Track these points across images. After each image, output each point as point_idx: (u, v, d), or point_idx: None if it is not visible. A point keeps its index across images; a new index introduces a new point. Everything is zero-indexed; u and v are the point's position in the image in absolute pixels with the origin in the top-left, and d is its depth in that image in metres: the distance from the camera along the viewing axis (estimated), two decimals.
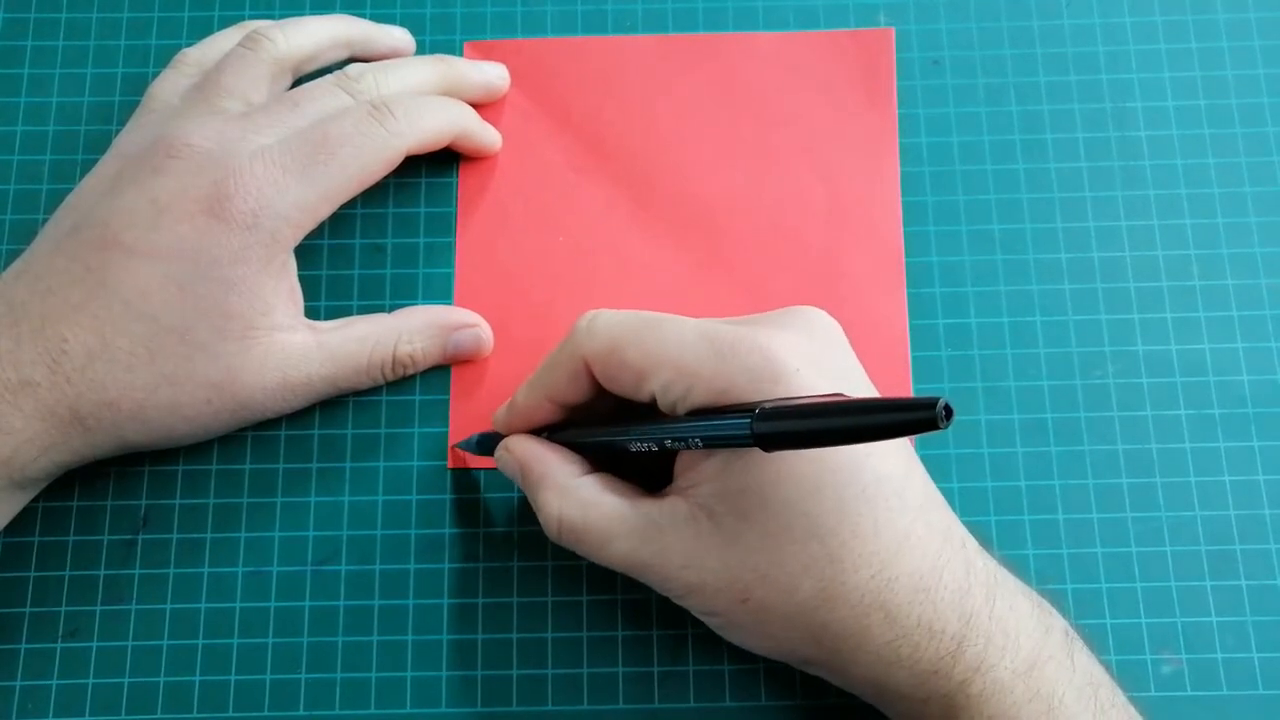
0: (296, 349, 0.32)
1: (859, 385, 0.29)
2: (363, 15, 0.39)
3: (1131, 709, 0.27)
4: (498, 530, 0.34)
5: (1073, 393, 0.35)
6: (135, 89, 0.37)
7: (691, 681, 0.33)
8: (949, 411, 0.20)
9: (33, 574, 0.34)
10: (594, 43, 0.38)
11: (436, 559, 0.34)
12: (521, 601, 0.33)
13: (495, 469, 0.32)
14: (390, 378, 0.34)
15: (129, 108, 0.35)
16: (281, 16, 0.39)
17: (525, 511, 0.34)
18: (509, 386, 0.35)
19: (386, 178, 0.37)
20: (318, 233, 0.36)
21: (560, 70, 0.38)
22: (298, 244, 0.32)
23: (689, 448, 0.27)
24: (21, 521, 0.34)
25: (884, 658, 0.27)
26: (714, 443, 0.26)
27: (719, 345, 0.27)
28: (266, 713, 0.33)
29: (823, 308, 0.35)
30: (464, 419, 0.35)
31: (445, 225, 0.37)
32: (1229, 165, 0.37)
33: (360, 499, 0.34)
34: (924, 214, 0.37)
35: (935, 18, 0.39)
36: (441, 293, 0.36)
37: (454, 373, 0.35)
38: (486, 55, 0.38)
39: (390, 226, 0.37)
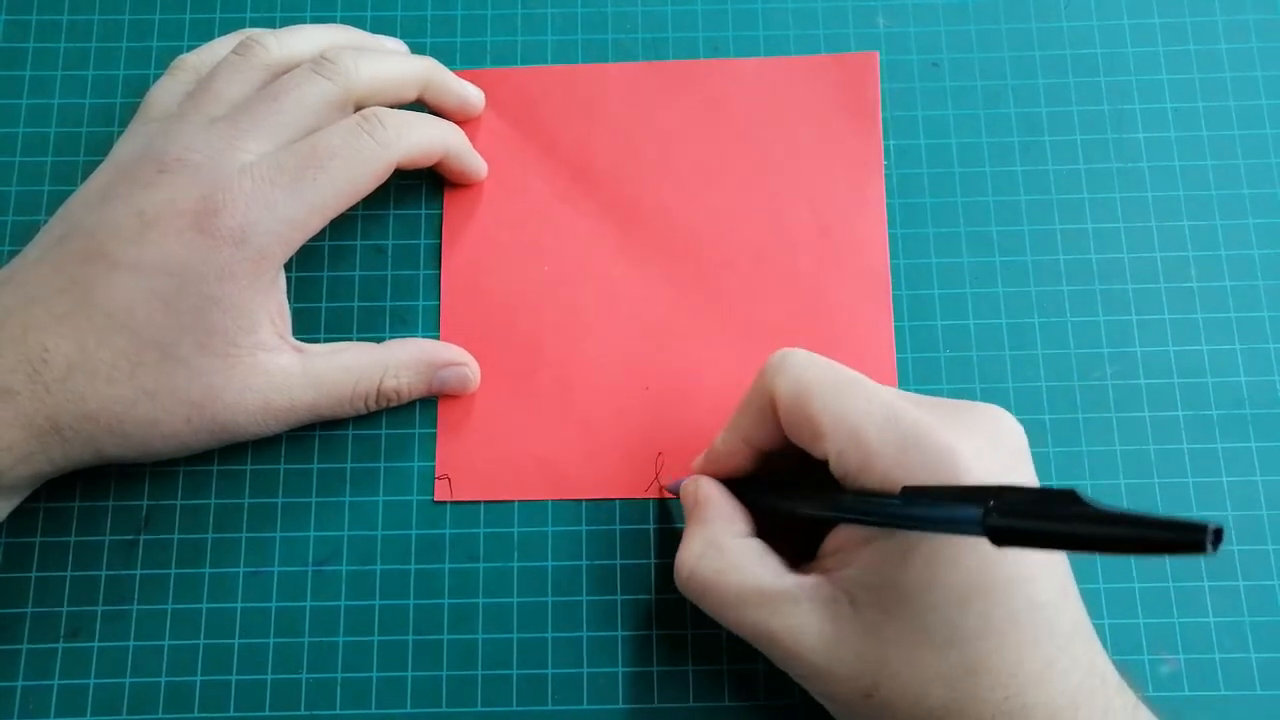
0: (280, 372, 0.32)
1: None
2: (363, 19, 0.39)
3: None
4: (498, 531, 0.34)
5: (1071, 394, 0.35)
6: (137, 91, 0.37)
7: (691, 681, 0.33)
8: (1219, 536, 0.18)
9: (34, 574, 0.34)
10: (579, 70, 0.38)
11: (437, 559, 0.34)
12: (522, 602, 0.34)
13: (488, 501, 0.33)
14: (373, 409, 0.34)
15: (130, 109, 0.36)
16: (283, 18, 0.39)
17: (525, 513, 0.34)
18: (495, 418, 0.35)
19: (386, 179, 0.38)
20: (319, 235, 0.36)
21: (545, 99, 0.38)
22: (286, 260, 0.32)
23: (880, 525, 0.26)
24: (23, 522, 0.34)
25: None
26: (925, 525, 0.25)
27: (904, 432, 0.26)
28: (268, 712, 0.33)
29: (808, 333, 0.35)
30: (450, 452, 0.35)
31: None
32: (1227, 167, 0.37)
33: (361, 499, 0.34)
34: (922, 216, 0.37)
35: (934, 20, 0.39)
36: (439, 294, 0.36)
37: (440, 407, 0.35)
38: (471, 83, 0.38)
39: (391, 228, 0.37)
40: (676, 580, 0.30)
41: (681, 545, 0.30)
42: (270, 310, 0.32)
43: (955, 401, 0.28)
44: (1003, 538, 0.22)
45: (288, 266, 0.36)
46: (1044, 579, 0.26)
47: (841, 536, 0.28)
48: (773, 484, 0.31)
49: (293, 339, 0.33)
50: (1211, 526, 0.18)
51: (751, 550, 0.29)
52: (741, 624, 0.28)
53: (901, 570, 0.26)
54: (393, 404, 0.34)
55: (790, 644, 0.27)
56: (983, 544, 0.25)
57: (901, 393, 0.28)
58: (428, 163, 0.35)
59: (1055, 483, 0.35)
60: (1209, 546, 0.18)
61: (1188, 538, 0.19)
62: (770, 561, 0.29)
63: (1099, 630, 0.28)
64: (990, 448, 0.27)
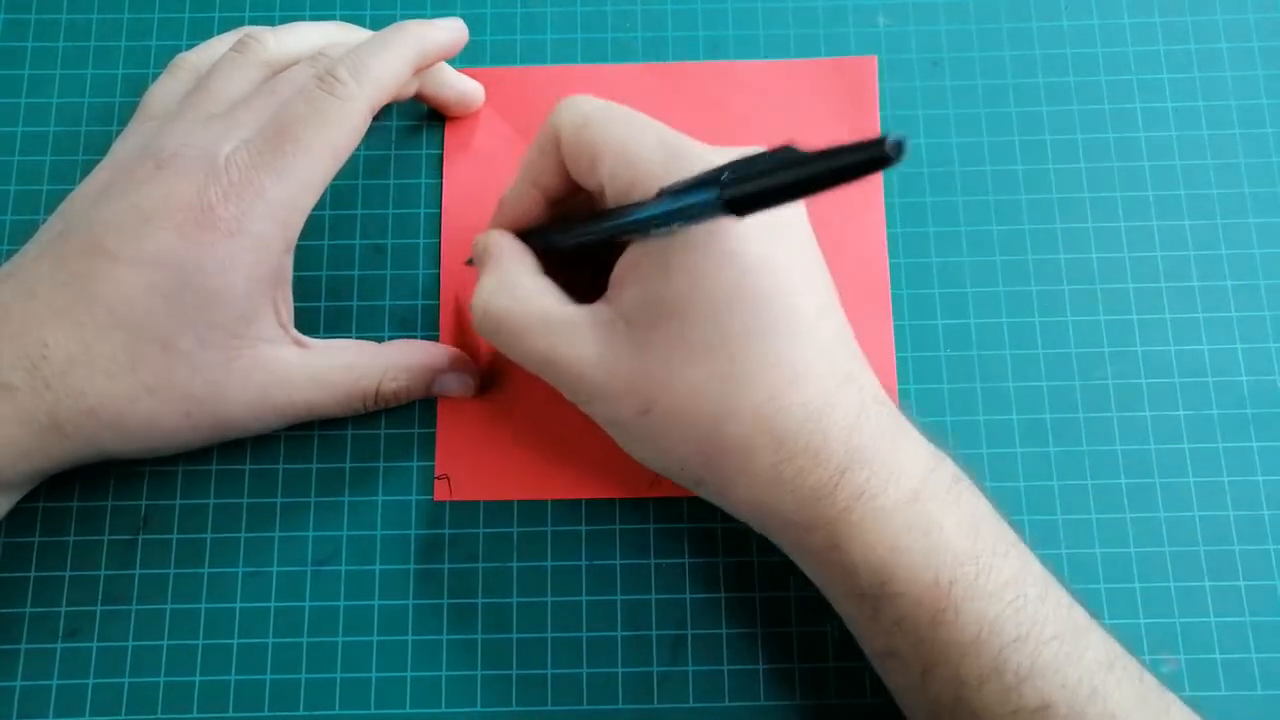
0: (281, 365, 0.32)
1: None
2: (362, 17, 0.39)
3: (1020, 545, 0.29)
4: (497, 530, 0.34)
5: (1071, 393, 0.35)
6: (135, 90, 0.37)
7: (690, 682, 0.33)
8: (901, 146, 0.20)
9: (33, 574, 0.34)
10: (577, 71, 0.38)
11: (436, 559, 0.34)
12: (521, 602, 0.34)
13: (488, 501, 0.34)
14: (370, 409, 0.34)
15: (129, 109, 0.36)
16: (282, 16, 0.39)
17: (524, 512, 0.34)
18: (495, 418, 0.35)
19: (385, 178, 0.38)
20: (318, 234, 0.36)
21: (544, 99, 0.38)
22: (293, 246, 0.32)
23: (645, 232, 0.28)
24: (22, 521, 0.34)
25: (769, 479, 0.28)
26: (678, 217, 0.26)
27: (670, 149, 0.28)
28: (266, 712, 0.33)
29: None
30: (450, 452, 0.35)
31: None
32: (1228, 166, 0.37)
33: (360, 499, 0.34)
34: (923, 215, 0.37)
35: (934, 19, 0.39)
36: (438, 294, 0.36)
37: (440, 406, 0.35)
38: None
39: (390, 227, 0.37)
40: (474, 320, 0.31)
41: (476, 287, 0.31)
42: (274, 300, 0.32)
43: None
44: (741, 205, 0.24)
45: None
46: (805, 292, 0.28)
47: (620, 267, 0.29)
48: (555, 223, 0.33)
49: (295, 331, 0.33)
50: (892, 138, 0.20)
51: (540, 286, 0.31)
52: (530, 353, 0.30)
53: (667, 284, 0.28)
54: (390, 405, 0.34)
55: (571, 367, 0.29)
56: (742, 255, 0.27)
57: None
58: (405, 86, 0.34)
59: (1056, 484, 0.34)
60: (894, 156, 0.20)
61: (873, 153, 0.20)
62: (557, 295, 0.30)
63: None
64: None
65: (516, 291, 0.30)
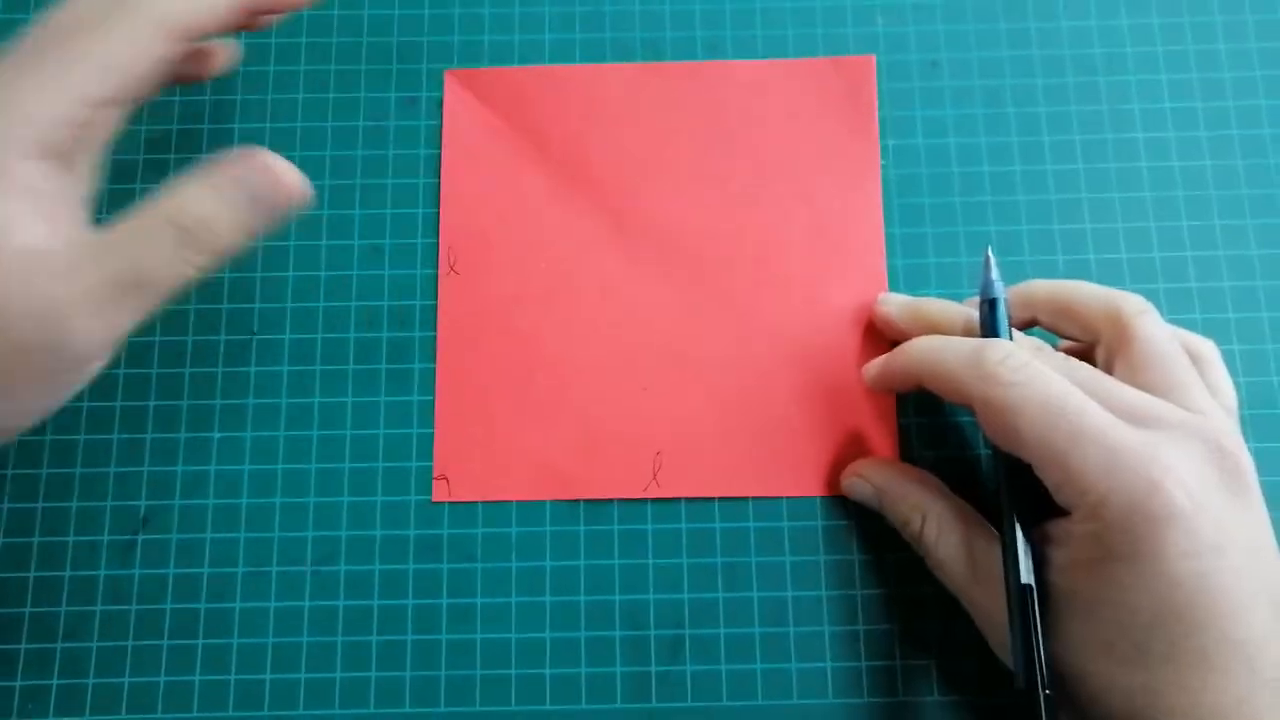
0: (57, 257, 0.26)
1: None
2: (360, 16, 0.39)
3: None
4: (496, 531, 0.34)
5: None
6: None
7: (689, 681, 0.33)
8: None
9: (33, 574, 0.34)
10: (574, 71, 0.38)
11: (435, 559, 0.34)
12: (520, 601, 0.34)
13: (487, 502, 0.34)
14: (200, 258, 0.27)
15: None
16: None
17: (523, 513, 0.34)
18: (493, 419, 0.35)
19: (383, 178, 0.37)
20: (316, 234, 0.36)
21: (541, 99, 0.38)
22: (55, 153, 0.26)
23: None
24: (21, 523, 0.34)
25: None
26: None
27: (1109, 451, 0.26)
28: (266, 712, 0.33)
29: (806, 338, 0.35)
30: (448, 452, 0.35)
31: None
32: (1225, 167, 0.37)
33: (359, 499, 0.34)
34: (920, 216, 0.37)
35: (932, 19, 0.39)
36: (436, 294, 0.36)
37: (438, 408, 0.35)
38: (467, 84, 0.38)
39: (388, 227, 0.37)
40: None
41: (922, 541, 0.32)
42: (33, 207, 0.26)
43: (1161, 410, 0.28)
44: None
45: (283, 265, 0.36)
46: (1247, 614, 0.26)
47: (1049, 532, 0.29)
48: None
49: (79, 230, 0.27)
50: None
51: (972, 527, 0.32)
52: (965, 598, 0.31)
53: (1092, 583, 0.27)
54: (218, 243, 0.28)
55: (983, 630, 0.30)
56: (1178, 573, 0.26)
57: (1108, 398, 0.28)
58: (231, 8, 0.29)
59: None
60: None
61: None
62: (982, 534, 0.31)
63: None
64: (1198, 474, 0.26)
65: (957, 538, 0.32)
